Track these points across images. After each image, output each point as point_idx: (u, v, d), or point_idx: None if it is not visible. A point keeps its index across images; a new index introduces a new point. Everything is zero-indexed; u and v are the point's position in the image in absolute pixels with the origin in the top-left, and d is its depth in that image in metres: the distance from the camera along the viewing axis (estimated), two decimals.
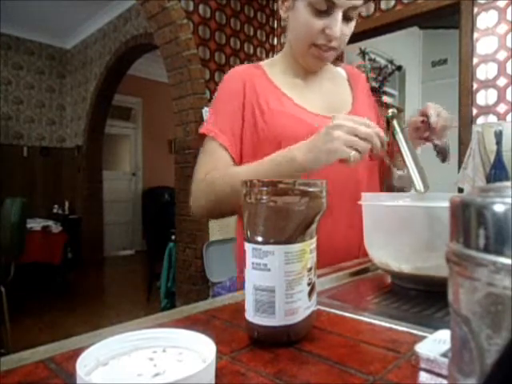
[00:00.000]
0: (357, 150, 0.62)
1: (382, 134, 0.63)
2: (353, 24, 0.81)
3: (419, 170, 0.66)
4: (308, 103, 0.86)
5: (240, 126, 0.84)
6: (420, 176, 0.65)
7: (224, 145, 0.82)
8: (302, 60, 0.87)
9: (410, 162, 0.66)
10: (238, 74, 0.87)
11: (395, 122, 0.66)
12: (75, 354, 0.31)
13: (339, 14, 0.75)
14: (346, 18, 0.77)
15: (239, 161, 0.84)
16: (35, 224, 4.01)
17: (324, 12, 0.75)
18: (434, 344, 0.36)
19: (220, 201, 0.77)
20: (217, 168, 0.80)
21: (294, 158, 0.67)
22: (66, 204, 5.43)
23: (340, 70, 1.00)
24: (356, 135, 0.62)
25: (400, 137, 0.67)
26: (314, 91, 0.90)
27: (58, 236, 4.17)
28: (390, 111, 0.68)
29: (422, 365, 0.34)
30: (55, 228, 4.19)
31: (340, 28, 0.77)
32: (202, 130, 0.85)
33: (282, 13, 0.86)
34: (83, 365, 0.29)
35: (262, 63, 0.93)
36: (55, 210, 5.32)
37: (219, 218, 0.84)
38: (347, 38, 0.82)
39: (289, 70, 0.90)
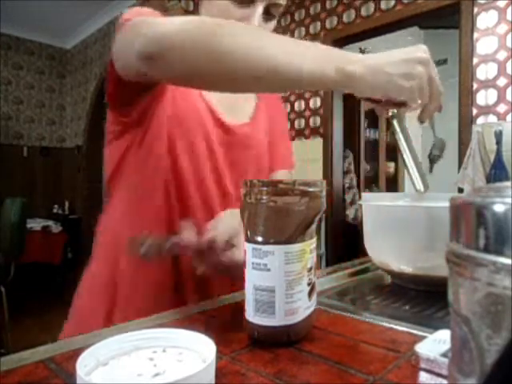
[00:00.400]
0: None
1: None
2: (272, 24, 0.72)
3: (419, 170, 0.66)
4: (211, 101, 0.74)
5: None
6: (420, 176, 0.65)
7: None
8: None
9: (409, 161, 0.66)
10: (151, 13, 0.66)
11: (395, 122, 0.66)
12: (75, 354, 0.31)
13: (260, 7, 0.68)
14: (267, 14, 0.70)
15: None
16: (35, 224, 4.01)
17: (244, 2, 0.68)
18: (434, 344, 0.35)
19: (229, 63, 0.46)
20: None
21: (351, 60, 0.47)
22: (66, 204, 5.43)
23: None
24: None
25: (400, 137, 0.66)
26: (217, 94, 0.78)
27: (58, 236, 4.17)
28: (391, 111, 0.67)
29: (422, 365, 0.34)
30: (55, 228, 4.19)
31: (259, 22, 0.68)
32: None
33: None
34: (83, 365, 0.29)
35: None
36: (55, 210, 5.31)
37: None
38: None
39: None
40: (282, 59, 0.45)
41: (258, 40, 0.47)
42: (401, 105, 0.53)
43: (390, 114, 0.67)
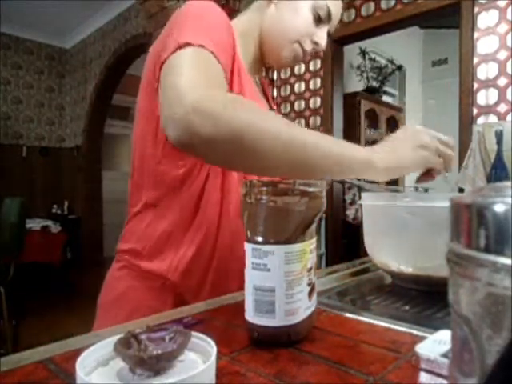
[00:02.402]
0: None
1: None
2: None
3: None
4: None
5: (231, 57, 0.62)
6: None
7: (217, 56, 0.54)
8: (271, 52, 0.75)
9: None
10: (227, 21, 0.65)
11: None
12: (75, 354, 0.31)
13: (327, 29, 0.76)
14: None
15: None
16: (34, 224, 4.01)
17: (320, 22, 0.75)
18: (435, 344, 0.35)
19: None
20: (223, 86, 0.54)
21: (369, 158, 0.53)
22: (66, 204, 5.43)
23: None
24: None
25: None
26: (256, 88, 0.80)
27: (58, 236, 4.17)
28: None
29: (423, 365, 0.34)
30: (54, 228, 4.19)
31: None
32: (197, 42, 0.53)
33: None
34: (83, 365, 0.29)
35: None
36: (54, 210, 5.31)
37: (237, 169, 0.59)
38: None
39: (245, 54, 0.73)
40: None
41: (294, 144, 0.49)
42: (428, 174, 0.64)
43: None
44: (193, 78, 0.48)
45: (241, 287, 0.62)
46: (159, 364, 0.29)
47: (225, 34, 0.60)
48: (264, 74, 0.88)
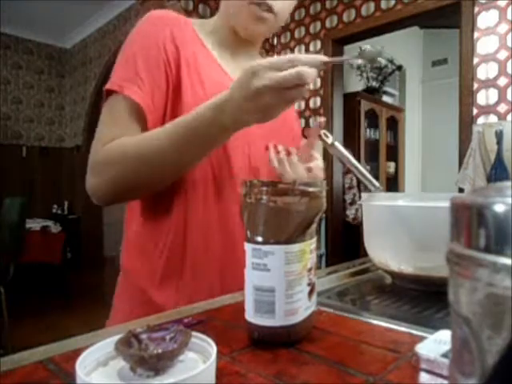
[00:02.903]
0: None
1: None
2: (292, 2, 0.74)
3: (366, 170, 0.70)
4: (234, 75, 0.71)
5: (164, 82, 0.65)
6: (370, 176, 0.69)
7: (134, 98, 0.61)
8: (235, 21, 0.72)
9: (355, 165, 0.69)
10: (161, 18, 0.69)
11: (327, 132, 0.70)
12: (74, 354, 0.31)
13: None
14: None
15: (157, 120, 0.65)
16: (34, 224, 4.01)
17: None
18: (435, 344, 0.35)
19: (130, 177, 0.60)
20: (122, 135, 0.61)
21: (222, 123, 0.55)
22: (66, 204, 5.42)
23: None
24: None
25: (337, 144, 0.70)
26: (241, 64, 0.76)
27: (58, 236, 4.17)
28: (315, 122, 0.71)
29: (423, 365, 0.34)
30: (54, 228, 4.18)
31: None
32: (106, 86, 0.63)
33: None
34: (83, 365, 0.29)
35: (189, 19, 0.76)
36: (54, 210, 5.31)
37: (122, 201, 0.67)
38: (285, 13, 0.73)
39: (219, 37, 0.75)
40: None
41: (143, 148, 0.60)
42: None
43: (322, 134, 0.70)
44: (98, 136, 0.63)
45: (224, 287, 0.64)
46: (160, 363, 0.29)
47: (153, 51, 0.65)
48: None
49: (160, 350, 0.29)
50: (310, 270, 0.41)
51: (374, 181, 0.66)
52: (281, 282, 0.38)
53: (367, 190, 0.69)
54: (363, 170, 0.69)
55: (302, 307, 0.40)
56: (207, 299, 0.56)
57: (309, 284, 0.41)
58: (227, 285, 0.64)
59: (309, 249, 0.41)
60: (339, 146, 0.71)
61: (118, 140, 0.60)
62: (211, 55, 0.72)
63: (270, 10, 0.69)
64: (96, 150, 0.62)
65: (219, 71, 0.72)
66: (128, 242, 0.71)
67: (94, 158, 0.62)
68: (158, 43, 0.65)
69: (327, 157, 3.30)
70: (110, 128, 0.63)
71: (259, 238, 0.39)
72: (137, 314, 0.54)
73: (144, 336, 0.31)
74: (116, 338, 0.32)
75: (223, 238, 0.67)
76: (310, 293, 0.41)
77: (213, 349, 0.31)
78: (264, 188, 0.39)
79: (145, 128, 0.63)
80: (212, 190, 0.67)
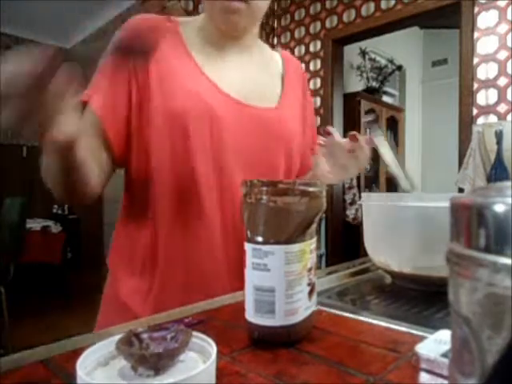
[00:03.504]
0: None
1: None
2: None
3: (404, 172, 0.68)
4: (224, 82, 0.70)
5: (126, 90, 0.65)
6: (405, 177, 0.67)
7: (94, 108, 0.63)
8: (212, 16, 0.70)
9: (394, 163, 0.68)
10: (138, 23, 0.69)
11: (376, 127, 0.68)
12: (75, 354, 0.31)
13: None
14: None
15: (120, 131, 0.65)
16: (35, 224, 4.01)
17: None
18: (435, 344, 0.35)
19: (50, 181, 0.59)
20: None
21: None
22: (66, 204, 5.42)
23: (275, 55, 0.83)
24: None
25: (381, 140, 0.68)
26: (234, 69, 0.73)
27: (58, 236, 4.17)
28: (367, 118, 0.70)
29: (423, 365, 0.34)
30: (55, 228, 4.19)
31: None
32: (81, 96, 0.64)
33: None
34: (84, 365, 0.29)
35: (178, 18, 0.75)
36: (55, 210, 5.31)
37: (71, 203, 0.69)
38: (260, 2, 0.68)
39: (206, 34, 0.72)
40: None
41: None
42: None
43: (370, 118, 0.69)
44: None
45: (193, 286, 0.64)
46: (161, 362, 0.29)
47: (113, 61, 0.67)
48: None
49: (161, 349, 0.29)
50: (310, 269, 0.41)
51: (407, 182, 0.66)
52: (281, 281, 0.38)
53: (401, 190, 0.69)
54: (399, 171, 0.67)
55: (302, 307, 0.40)
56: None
57: (309, 284, 0.41)
58: (194, 299, 0.57)
59: (309, 249, 0.41)
60: (381, 140, 0.69)
61: None
62: (192, 62, 0.68)
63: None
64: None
65: (197, 80, 0.67)
66: (112, 245, 0.75)
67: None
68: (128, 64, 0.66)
69: None
70: None
71: (259, 238, 0.39)
72: (112, 320, 0.56)
73: (145, 335, 0.31)
74: (116, 337, 0.32)
75: (190, 258, 0.66)
76: (310, 293, 0.41)
77: (213, 349, 0.31)
78: (264, 188, 0.39)
79: (105, 139, 0.64)
80: (177, 209, 0.65)
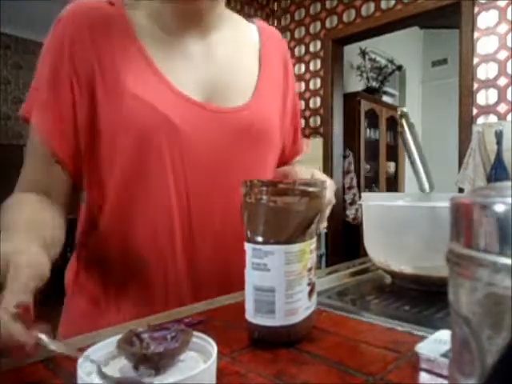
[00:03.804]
0: None
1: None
2: None
3: (425, 170, 0.66)
4: (183, 80, 0.57)
5: (69, 98, 0.54)
6: (426, 176, 0.66)
7: (41, 129, 0.54)
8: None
9: (416, 161, 0.66)
10: (72, 14, 0.56)
11: (403, 121, 0.66)
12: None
13: None
14: None
15: (71, 147, 0.56)
16: None
17: None
18: (435, 344, 0.35)
19: None
20: (37, 183, 0.58)
21: None
22: None
23: (251, 30, 0.69)
24: None
25: (407, 136, 0.66)
26: (196, 63, 0.59)
27: None
28: (400, 110, 0.67)
29: (423, 365, 0.34)
30: None
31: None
32: (20, 111, 0.57)
33: None
34: (84, 365, 0.29)
35: (122, 0, 0.59)
36: None
37: None
38: None
39: (161, 20, 0.58)
40: None
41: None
42: None
43: (400, 112, 0.67)
44: (21, 174, 0.63)
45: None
46: (162, 361, 0.29)
47: (61, 70, 0.55)
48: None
49: (162, 349, 0.29)
50: (309, 269, 0.41)
51: (425, 182, 0.65)
52: (281, 281, 0.39)
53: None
54: (421, 167, 0.66)
55: (302, 307, 0.40)
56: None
57: (309, 284, 0.41)
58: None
59: (309, 249, 0.41)
60: (409, 134, 0.65)
61: (13, 201, 0.57)
62: (142, 57, 0.55)
63: None
64: (14, 190, 0.60)
65: (148, 81, 0.55)
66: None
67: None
68: (65, 59, 0.54)
69: (327, 156, 3.30)
70: (24, 169, 0.61)
71: (259, 238, 0.39)
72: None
73: (145, 335, 0.31)
74: (117, 337, 0.32)
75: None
76: (310, 293, 0.41)
77: (213, 348, 0.31)
78: (264, 188, 0.39)
79: (57, 162, 0.56)
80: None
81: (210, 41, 0.61)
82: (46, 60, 0.57)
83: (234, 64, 0.63)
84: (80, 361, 0.29)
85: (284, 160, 0.74)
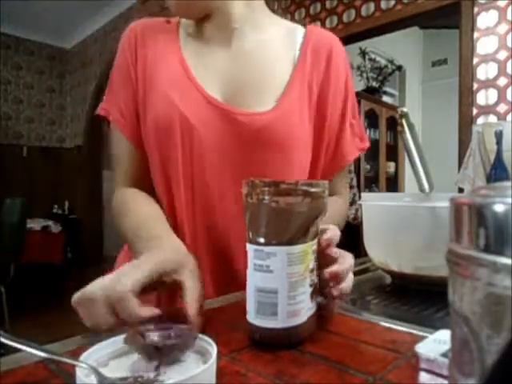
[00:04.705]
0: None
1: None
2: None
3: (425, 169, 0.66)
4: (210, 82, 0.61)
5: (132, 99, 0.64)
6: (425, 176, 0.65)
7: (119, 127, 0.64)
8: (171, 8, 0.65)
9: (416, 161, 0.66)
10: (133, 28, 0.67)
11: (404, 121, 0.66)
12: (75, 354, 0.31)
13: None
14: None
15: (140, 142, 0.63)
16: (35, 224, 4.01)
17: None
18: (435, 344, 0.35)
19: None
20: (127, 172, 0.65)
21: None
22: (66, 204, 5.42)
23: (294, 32, 0.67)
24: None
25: (407, 136, 0.66)
26: (220, 63, 0.63)
27: (58, 236, 4.17)
28: (400, 110, 0.67)
29: (422, 365, 0.34)
30: (55, 228, 4.19)
31: None
32: (98, 110, 0.66)
33: None
34: (83, 366, 0.29)
35: (179, 19, 0.69)
36: (55, 210, 5.31)
37: None
38: None
39: (189, 28, 0.67)
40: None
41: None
42: None
43: (400, 112, 0.67)
44: (115, 173, 0.67)
45: None
46: (173, 354, 0.30)
47: (124, 71, 0.65)
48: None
49: (174, 341, 0.31)
50: (312, 271, 0.41)
51: (425, 182, 0.65)
52: (283, 283, 0.38)
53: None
54: (421, 167, 0.65)
55: (305, 308, 0.40)
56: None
57: (311, 285, 0.41)
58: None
59: (311, 250, 0.41)
60: (409, 134, 0.65)
61: (121, 198, 0.63)
62: (180, 63, 0.62)
63: None
64: (114, 189, 0.66)
65: (180, 84, 0.61)
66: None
67: (113, 199, 0.65)
68: (128, 64, 0.64)
69: None
70: (117, 168, 0.66)
71: (261, 239, 0.39)
72: None
73: (149, 333, 0.32)
74: (116, 338, 0.32)
75: None
76: (312, 294, 0.41)
77: (213, 349, 0.31)
78: (266, 188, 0.39)
79: (138, 151, 0.64)
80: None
81: (232, 41, 0.64)
82: (115, 65, 0.67)
83: (260, 67, 0.63)
84: (79, 361, 0.29)
85: (325, 171, 0.68)
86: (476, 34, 2.38)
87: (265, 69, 0.62)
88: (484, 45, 2.35)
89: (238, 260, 0.61)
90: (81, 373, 0.28)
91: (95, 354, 0.31)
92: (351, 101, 0.70)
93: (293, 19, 3.49)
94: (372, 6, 2.96)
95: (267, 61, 0.63)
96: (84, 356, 0.30)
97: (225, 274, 0.61)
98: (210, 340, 0.32)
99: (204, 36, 0.65)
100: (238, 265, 0.61)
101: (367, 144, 0.71)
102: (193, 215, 0.61)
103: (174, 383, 0.26)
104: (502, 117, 2.29)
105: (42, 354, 0.29)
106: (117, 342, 0.33)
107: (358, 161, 3.84)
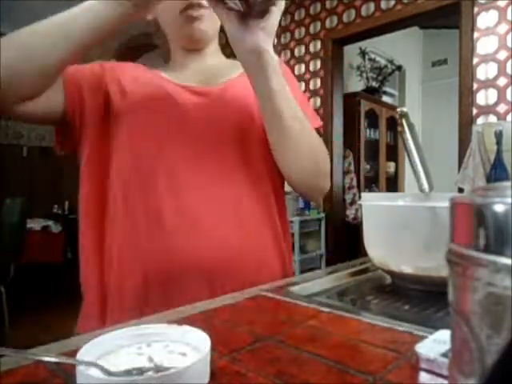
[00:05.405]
0: None
1: None
2: None
3: (425, 170, 0.66)
4: (179, 78, 0.74)
5: (92, 80, 0.72)
6: (425, 176, 0.65)
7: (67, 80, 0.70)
8: (176, 34, 0.76)
9: (415, 161, 0.66)
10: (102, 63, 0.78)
11: (403, 121, 0.66)
12: (75, 354, 0.31)
13: None
14: None
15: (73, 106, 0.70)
16: (35, 224, 4.01)
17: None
18: (434, 344, 0.35)
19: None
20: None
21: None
22: (66, 204, 5.42)
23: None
24: None
25: (407, 136, 0.66)
26: (191, 68, 0.77)
27: (58, 236, 4.17)
28: (400, 110, 0.67)
29: (422, 365, 0.34)
30: (55, 228, 4.19)
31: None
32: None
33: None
34: (82, 364, 0.29)
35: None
36: (55, 210, 5.31)
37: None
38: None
39: (176, 64, 0.79)
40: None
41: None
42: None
43: (399, 112, 0.67)
44: None
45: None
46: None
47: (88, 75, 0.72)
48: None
49: None
50: None
51: (425, 182, 0.65)
52: None
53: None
54: (418, 161, 0.65)
55: None
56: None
57: None
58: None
59: None
60: (408, 134, 0.65)
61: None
62: (149, 69, 0.76)
63: (200, 5, 0.70)
64: None
65: (153, 78, 0.73)
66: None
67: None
68: (95, 71, 0.73)
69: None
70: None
71: None
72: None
73: None
74: (113, 333, 0.32)
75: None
76: None
77: (207, 341, 0.31)
78: None
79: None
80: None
81: (203, 62, 0.78)
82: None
83: (217, 68, 0.78)
84: (78, 356, 0.29)
85: None
86: (476, 34, 2.38)
87: (220, 69, 0.78)
88: (484, 45, 2.35)
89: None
90: (81, 372, 0.28)
91: (93, 348, 0.31)
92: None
93: (293, 19, 3.50)
94: (372, 5, 2.96)
95: (220, 67, 0.79)
96: (82, 351, 0.30)
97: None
98: (203, 333, 0.33)
99: (183, 64, 0.77)
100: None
101: (320, 122, 0.82)
102: (176, 181, 0.67)
103: (169, 374, 0.27)
104: (501, 117, 2.29)
105: (41, 358, 0.29)
106: (114, 336, 0.33)
107: (358, 161, 3.85)
